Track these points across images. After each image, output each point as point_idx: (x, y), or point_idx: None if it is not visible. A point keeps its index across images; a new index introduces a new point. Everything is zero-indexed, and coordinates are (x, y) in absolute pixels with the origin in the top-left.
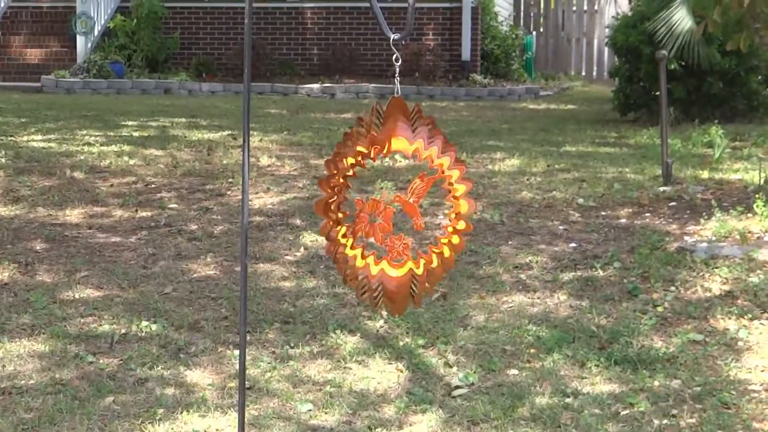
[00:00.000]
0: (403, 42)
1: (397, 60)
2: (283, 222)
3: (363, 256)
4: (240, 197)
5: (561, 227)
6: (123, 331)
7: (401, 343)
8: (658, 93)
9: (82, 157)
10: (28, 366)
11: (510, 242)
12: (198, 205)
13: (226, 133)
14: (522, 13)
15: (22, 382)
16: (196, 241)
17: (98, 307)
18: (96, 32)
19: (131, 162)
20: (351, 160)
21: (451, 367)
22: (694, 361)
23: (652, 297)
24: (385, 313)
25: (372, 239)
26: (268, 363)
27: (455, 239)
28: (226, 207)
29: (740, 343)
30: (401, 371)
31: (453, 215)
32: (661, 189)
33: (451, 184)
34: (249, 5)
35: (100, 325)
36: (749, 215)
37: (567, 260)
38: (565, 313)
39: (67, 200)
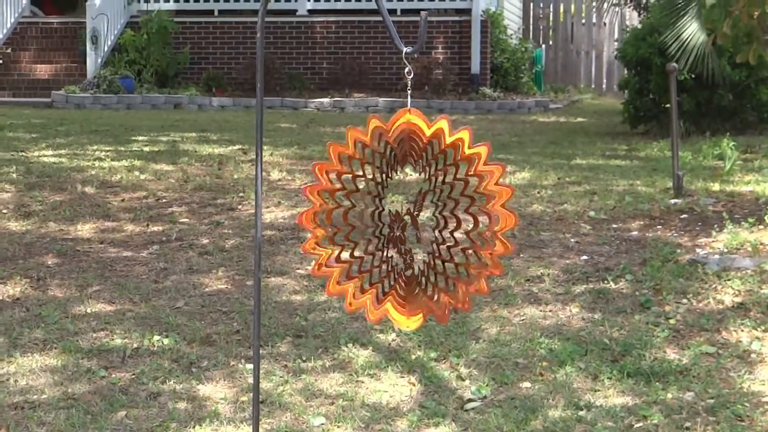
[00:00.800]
0: (414, 56)
1: (409, 73)
2: (294, 236)
3: (362, 290)
4: (251, 211)
5: (572, 240)
6: (135, 345)
7: (413, 357)
8: (668, 105)
9: (93, 172)
10: (40, 380)
11: (522, 255)
12: (209, 219)
13: (236, 147)
14: (531, 26)
15: (35, 396)
16: (207, 256)
17: (110, 322)
18: (106, 48)
19: (142, 177)
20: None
21: (463, 380)
22: (707, 374)
23: (664, 309)
24: (396, 327)
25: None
26: (281, 377)
27: (494, 268)
28: (237, 221)
29: (753, 356)
30: (414, 384)
31: (489, 234)
32: (672, 201)
33: (486, 187)
34: (261, 20)
35: (112, 339)
36: (761, 227)
37: (579, 273)
38: (578, 326)
39: (79, 215)
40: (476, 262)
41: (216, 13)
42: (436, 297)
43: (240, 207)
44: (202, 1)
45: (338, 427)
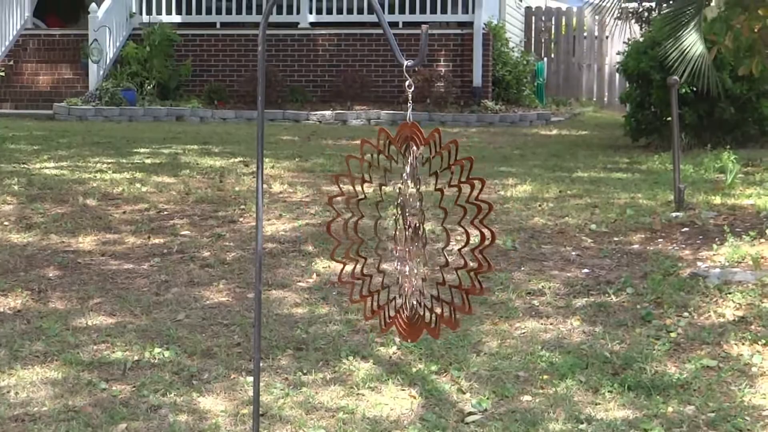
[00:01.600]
0: (415, 68)
1: (410, 86)
2: (295, 248)
3: (370, 312)
4: (252, 224)
5: (573, 253)
6: (136, 357)
7: (414, 370)
8: (669, 118)
9: (94, 185)
10: (40, 393)
11: (522, 268)
12: (210, 231)
13: (237, 159)
14: (533, 39)
15: (35, 409)
16: (208, 268)
17: (111, 334)
18: (108, 60)
19: (144, 189)
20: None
21: (464, 393)
22: (707, 387)
23: (665, 323)
24: (398, 339)
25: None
26: (281, 389)
27: (473, 288)
28: (239, 233)
29: (754, 369)
30: (414, 397)
31: (467, 249)
32: (674, 214)
33: (467, 200)
34: (262, 32)
35: (113, 352)
36: (762, 240)
37: (580, 286)
38: (579, 339)
39: (80, 227)
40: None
41: (218, 26)
42: (431, 322)
43: (241, 219)
44: (204, 13)
45: None
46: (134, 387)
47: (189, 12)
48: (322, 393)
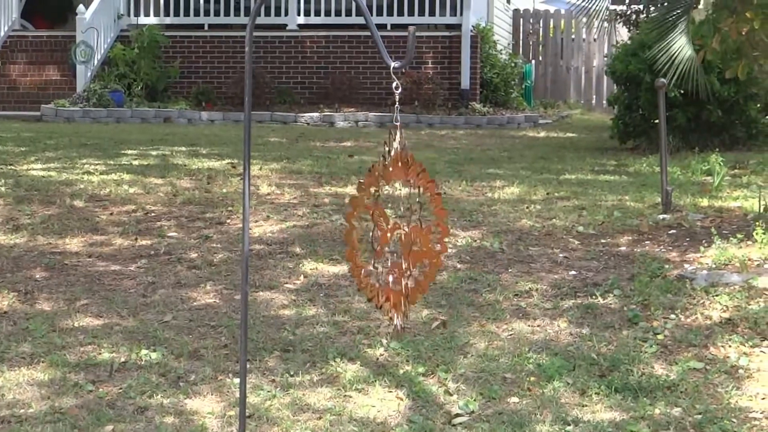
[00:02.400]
0: (403, 70)
1: (397, 88)
2: (282, 250)
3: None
4: (240, 225)
5: (561, 255)
6: (122, 359)
7: (401, 371)
8: (657, 121)
9: (82, 186)
10: (27, 394)
11: (510, 270)
12: (198, 233)
13: (225, 161)
14: (521, 42)
15: (22, 410)
16: (195, 270)
17: (98, 336)
18: (96, 61)
19: (131, 190)
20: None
21: (451, 395)
22: (694, 389)
23: (652, 325)
24: (385, 341)
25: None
26: (268, 391)
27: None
28: (226, 235)
29: (741, 371)
30: (401, 399)
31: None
32: (661, 217)
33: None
34: (249, 34)
35: (100, 353)
36: (749, 243)
37: (567, 288)
38: (566, 341)
39: (67, 229)
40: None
41: (206, 27)
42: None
43: (229, 221)
44: (192, 15)
45: None
46: (121, 389)
47: (177, 14)
48: (309, 394)
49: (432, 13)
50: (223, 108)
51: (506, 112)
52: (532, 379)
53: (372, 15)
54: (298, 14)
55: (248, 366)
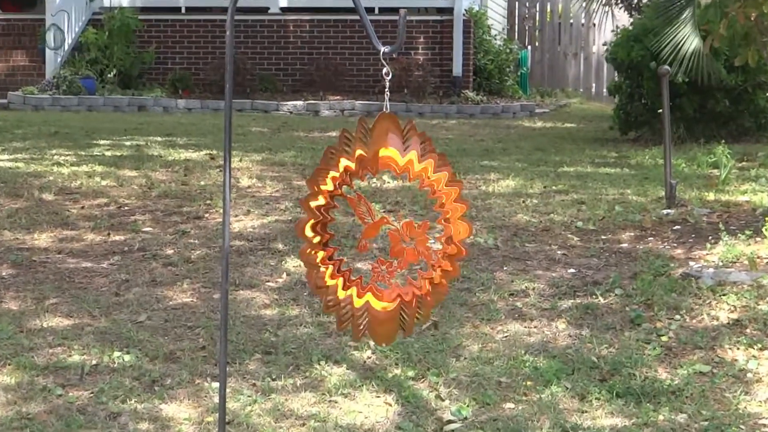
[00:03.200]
0: (393, 56)
1: (387, 74)
2: (264, 246)
3: (345, 287)
4: (219, 220)
5: (559, 252)
6: (94, 362)
7: (390, 375)
8: (660, 110)
9: (51, 178)
10: None
11: (505, 268)
12: (174, 228)
13: (203, 152)
14: (516, 27)
15: None
16: (172, 267)
17: (68, 337)
18: (66, 46)
19: (103, 183)
20: (334, 174)
21: (443, 400)
22: (700, 394)
23: (656, 326)
24: (372, 343)
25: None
26: (249, 396)
27: (447, 266)
28: (204, 230)
29: (749, 375)
30: (390, 405)
31: (444, 239)
32: (665, 212)
33: (443, 204)
34: (230, 17)
35: (70, 355)
36: (758, 239)
37: (566, 287)
38: (564, 343)
39: (36, 223)
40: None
41: (183, 11)
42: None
43: (207, 215)
44: None
45: None
46: (92, 393)
47: None
48: (292, 400)
49: None
50: (201, 96)
51: (501, 101)
52: (529, 383)
53: None
54: None
55: (228, 369)
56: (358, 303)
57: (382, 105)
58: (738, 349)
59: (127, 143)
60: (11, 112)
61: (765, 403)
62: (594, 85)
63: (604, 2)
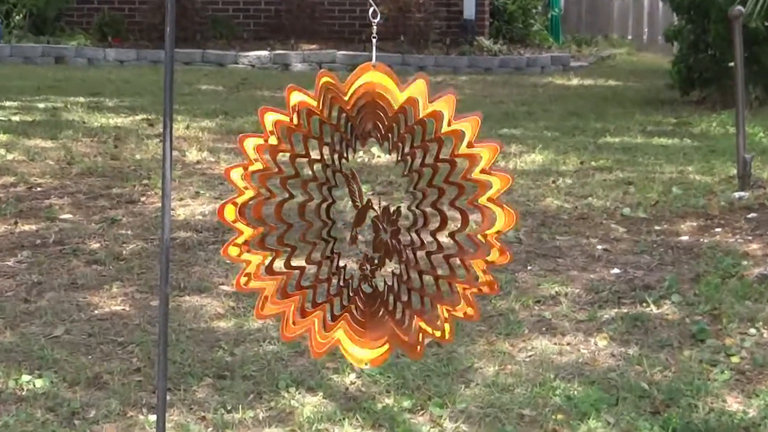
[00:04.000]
0: None
1: (374, 15)
2: (217, 239)
3: (304, 313)
4: (158, 205)
5: (600, 247)
6: None
7: (380, 405)
8: (732, 64)
9: None
10: None
11: (530, 267)
12: (101, 215)
13: (139, 117)
14: None
15: None
16: (97, 265)
17: None
18: None
19: (10, 157)
20: (278, 118)
21: None
22: None
23: (724, 343)
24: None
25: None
26: None
27: (483, 284)
28: (140, 218)
29: None
30: None
31: (480, 235)
32: (737, 195)
33: (481, 174)
34: None
35: None
36: None
37: (608, 292)
38: (606, 365)
39: None
40: (463, 274)
41: None
42: (406, 321)
43: (143, 199)
44: None
45: None
46: None
47: None
48: None
49: None
50: (136, 44)
51: (525, 52)
52: (560, 417)
53: None
54: None
55: (169, 398)
56: (318, 348)
57: (371, 56)
58: None
59: (41, 105)
60: None
61: None
62: (646, 30)
63: None
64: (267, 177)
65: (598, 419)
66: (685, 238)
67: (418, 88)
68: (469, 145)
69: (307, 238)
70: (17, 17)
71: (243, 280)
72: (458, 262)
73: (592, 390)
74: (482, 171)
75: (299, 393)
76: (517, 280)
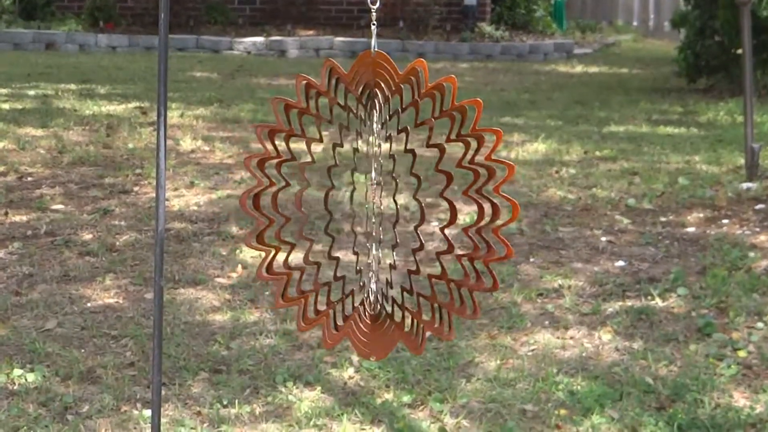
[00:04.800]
0: None
1: (373, 2)
2: (213, 230)
3: (316, 311)
4: (152, 195)
5: (604, 239)
6: None
7: (379, 401)
8: (740, 51)
9: None
10: None
11: (532, 259)
12: (93, 206)
13: (132, 105)
14: None
15: None
16: (90, 257)
17: None
18: None
19: (0, 145)
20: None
21: None
22: None
23: (731, 337)
24: (356, 358)
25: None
26: (192, 428)
27: (476, 286)
28: (133, 209)
29: None
30: None
31: (475, 230)
32: (745, 186)
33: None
34: None
35: None
36: None
37: (612, 285)
38: (610, 359)
39: None
40: (473, 275)
41: None
42: (415, 332)
43: (137, 189)
44: None
45: None
46: None
47: None
48: None
49: None
50: (128, 29)
51: (528, 38)
52: (563, 412)
53: None
54: None
55: (164, 392)
56: (330, 340)
57: (370, 43)
58: None
59: (31, 93)
60: None
61: None
62: (653, 16)
63: None
64: (282, 164)
65: (601, 414)
66: (691, 229)
67: (417, 66)
68: (473, 130)
69: (330, 231)
70: (6, 2)
71: (263, 269)
72: (468, 261)
73: (596, 385)
74: (487, 158)
75: (297, 388)
76: (520, 273)
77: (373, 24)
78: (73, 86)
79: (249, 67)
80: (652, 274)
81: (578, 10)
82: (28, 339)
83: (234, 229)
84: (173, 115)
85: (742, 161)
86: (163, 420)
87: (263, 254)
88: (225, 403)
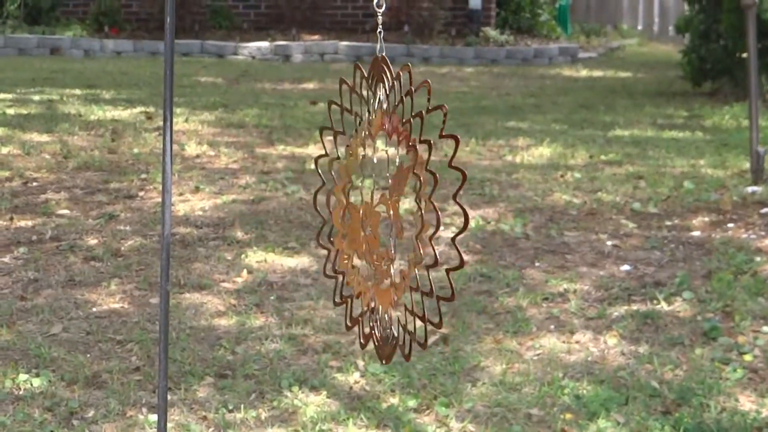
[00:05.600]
0: None
1: (380, 6)
2: (218, 235)
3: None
4: (157, 200)
5: (609, 243)
6: None
7: (385, 405)
8: (745, 55)
9: None
10: None
11: (538, 264)
12: (98, 211)
13: (137, 110)
14: None
15: None
16: (95, 262)
17: None
18: None
19: (5, 151)
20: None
21: None
22: None
23: (737, 341)
24: (361, 363)
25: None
26: None
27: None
28: (138, 214)
29: None
30: None
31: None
32: (750, 189)
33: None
34: None
35: None
36: None
37: (618, 289)
38: (615, 363)
39: None
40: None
41: None
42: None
43: (142, 194)
44: None
45: None
46: None
47: None
48: None
49: None
50: (133, 35)
51: (533, 42)
52: (568, 416)
53: None
54: None
55: (170, 397)
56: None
57: (375, 47)
58: None
59: (36, 98)
60: None
61: None
62: (657, 20)
63: None
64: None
65: (607, 419)
66: (696, 233)
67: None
68: (440, 135)
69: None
70: (11, 7)
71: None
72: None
73: (602, 389)
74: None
75: (302, 392)
76: (525, 277)
77: (380, 32)
78: (78, 91)
79: (254, 71)
80: (657, 278)
81: (583, 14)
82: (34, 344)
83: (239, 234)
84: (178, 120)
85: (747, 165)
86: (168, 425)
87: (326, 252)
88: (230, 407)
